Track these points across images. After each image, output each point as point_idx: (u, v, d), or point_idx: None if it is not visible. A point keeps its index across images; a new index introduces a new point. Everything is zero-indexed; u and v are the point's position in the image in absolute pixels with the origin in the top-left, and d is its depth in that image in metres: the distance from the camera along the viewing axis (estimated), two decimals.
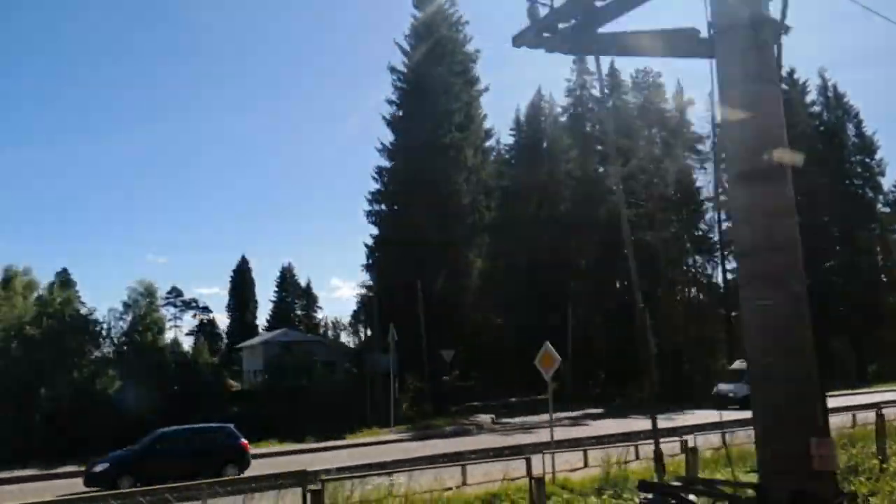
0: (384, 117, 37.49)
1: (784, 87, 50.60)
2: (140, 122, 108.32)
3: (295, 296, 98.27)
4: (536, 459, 13.36)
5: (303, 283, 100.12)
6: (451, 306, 32.30)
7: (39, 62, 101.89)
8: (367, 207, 38.13)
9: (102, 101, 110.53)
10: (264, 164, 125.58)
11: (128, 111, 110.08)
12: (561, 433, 22.08)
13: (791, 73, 52.00)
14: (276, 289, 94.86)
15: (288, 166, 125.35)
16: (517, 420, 29.60)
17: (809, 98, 54.10)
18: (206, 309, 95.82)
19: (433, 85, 33.80)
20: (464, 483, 13.85)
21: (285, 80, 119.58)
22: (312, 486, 9.13)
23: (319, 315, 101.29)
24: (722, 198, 49.46)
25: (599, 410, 33.04)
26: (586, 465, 15.77)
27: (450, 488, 12.18)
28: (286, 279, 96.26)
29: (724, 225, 52.69)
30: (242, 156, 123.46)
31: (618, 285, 49.76)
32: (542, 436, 22.31)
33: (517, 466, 14.45)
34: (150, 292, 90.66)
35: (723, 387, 34.57)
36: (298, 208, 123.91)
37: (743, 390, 32.62)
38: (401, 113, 36.99)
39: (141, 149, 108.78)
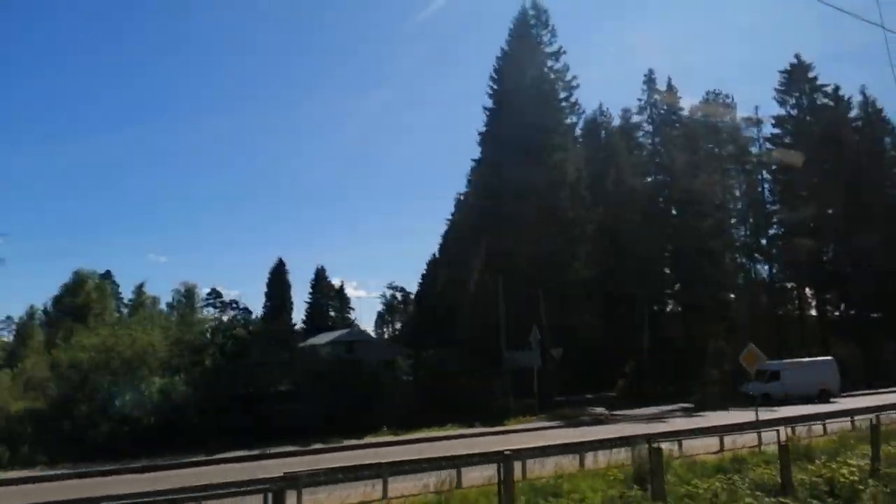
0: (479, 133, 42.00)
1: (830, 103, 54.85)
2: (143, 120, 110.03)
3: (327, 297, 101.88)
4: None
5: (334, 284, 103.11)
6: (557, 310, 35.98)
7: (41, 60, 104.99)
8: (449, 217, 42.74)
9: (105, 101, 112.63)
10: (259, 162, 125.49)
11: (132, 111, 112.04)
12: (704, 420, 25.70)
13: (836, 89, 55.91)
14: (311, 290, 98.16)
15: (288, 166, 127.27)
16: (626, 412, 32.96)
17: (852, 114, 58.18)
18: (246, 310, 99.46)
19: (533, 111, 37.40)
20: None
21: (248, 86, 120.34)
22: (655, 444, 12.64)
23: (352, 316, 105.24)
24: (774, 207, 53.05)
25: (689, 405, 36.53)
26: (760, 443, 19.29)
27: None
28: (320, 281, 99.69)
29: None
30: (235, 155, 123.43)
31: (677, 287, 53.70)
32: (677, 424, 25.79)
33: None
34: (190, 294, 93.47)
35: (747, 386, 38.02)
36: (300, 209, 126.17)
37: (761, 389, 36.54)
38: (489, 130, 41.17)
39: (141, 148, 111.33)
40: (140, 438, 22.69)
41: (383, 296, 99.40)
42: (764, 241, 55.04)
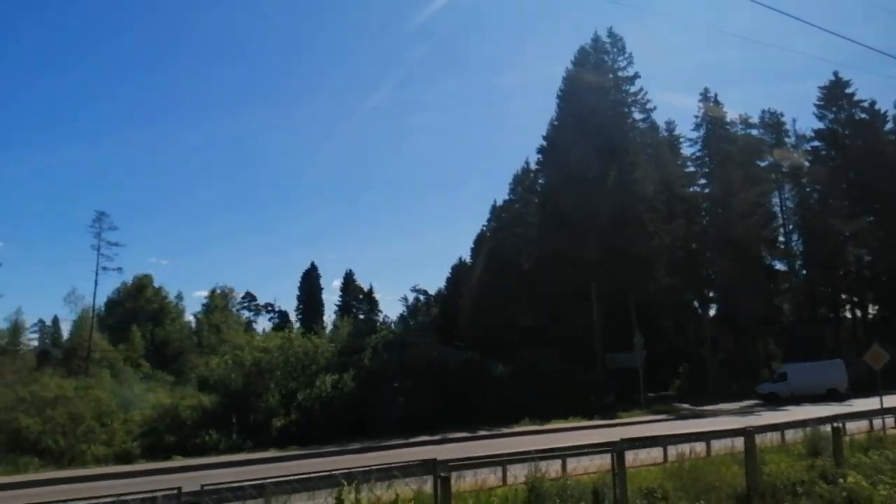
0: (538, 149, 45.46)
1: (865, 116, 58.09)
2: (147, 122, 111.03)
3: (357, 300, 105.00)
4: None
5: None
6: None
7: (41, 59, 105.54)
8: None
9: (110, 102, 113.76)
10: (261, 163, 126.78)
11: (137, 113, 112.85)
12: (801, 412, 28.75)
13: (873, 104, 59.11)
14: (340, 293, 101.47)
15: (289, 167, 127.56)
16: (708, 408, 36.06)
17: (887, 127, 61.45)
18: (282, 313, 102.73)
19: (609, 131, 40.76)
20: None
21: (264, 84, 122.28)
22: (836, 425, 15.96)
23: (380, 318, 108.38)
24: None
25: (757, 402, 39.74)
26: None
27: None
28: (348, 284, 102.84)
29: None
30: (244, 157, 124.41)
31: (726, 292, 56.92)
32: (771, 417, 28.83)
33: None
34: (225, 296, 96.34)
35: (759, 386, 42.32)
36: (302, 209, 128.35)
37: (769, 388, 40.78)
38: (552, 146, 44.66)
39: (141, 150, 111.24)
40: (311, 428, 25.89)
41: (405, 298, 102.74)
42: (803, 247, 58.38)
